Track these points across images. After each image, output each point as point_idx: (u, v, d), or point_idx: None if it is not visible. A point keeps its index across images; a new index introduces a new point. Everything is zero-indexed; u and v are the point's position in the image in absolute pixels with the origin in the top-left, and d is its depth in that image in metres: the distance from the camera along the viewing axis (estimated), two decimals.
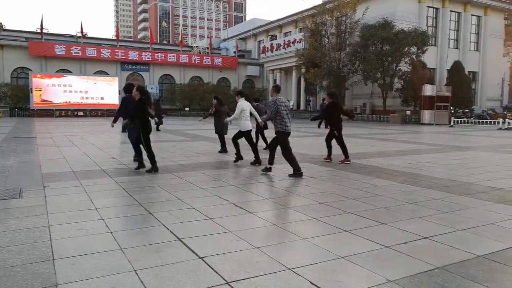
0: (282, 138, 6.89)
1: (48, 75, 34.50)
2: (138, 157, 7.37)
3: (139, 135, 7.04)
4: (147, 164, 7.17)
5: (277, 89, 7.07)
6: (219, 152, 9.93)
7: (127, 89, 8.22)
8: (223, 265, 2.96)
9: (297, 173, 6.75)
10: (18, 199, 4.94)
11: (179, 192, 5.45)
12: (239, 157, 8.22)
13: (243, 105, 8.09)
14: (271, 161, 7.14)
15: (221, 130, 9.81)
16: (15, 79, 35.17)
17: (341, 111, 8.83)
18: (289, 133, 6.94)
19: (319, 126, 20.60)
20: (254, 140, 8.66)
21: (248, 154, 8.40)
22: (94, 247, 3.32)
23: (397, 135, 17.11)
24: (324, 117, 8.87)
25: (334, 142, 8.70)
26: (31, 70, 34.54)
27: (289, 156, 6.86)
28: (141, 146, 7.19)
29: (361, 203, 4.90)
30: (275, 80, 43.16)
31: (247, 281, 2.71)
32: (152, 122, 7.36)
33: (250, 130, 8.17)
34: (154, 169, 6.99)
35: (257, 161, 8.01)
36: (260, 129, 9.66)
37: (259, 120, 8.16)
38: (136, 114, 6.99)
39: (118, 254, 3.16)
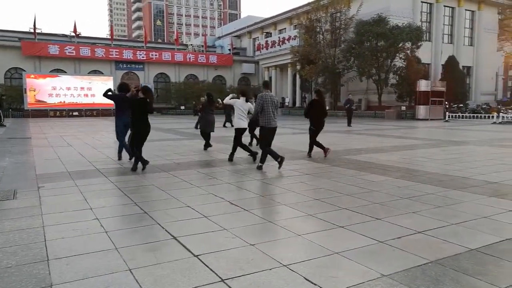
0: (263, 132, 7.24)
1: (42, 75, 34.27)
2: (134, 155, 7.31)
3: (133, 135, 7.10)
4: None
5: (265, 84, 7.39)
6: (204, 149, 10.08)
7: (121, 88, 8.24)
8: (218, 263, 2.97)
9: (260, 165, 7.19)
10: (12, 200, 4.92)
11: (175, 190, 5.45)
12: (252, 154, 8.23)
13: (237, 103, 8.22)
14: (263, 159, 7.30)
15: (205, 127, 10.02)
16: (9, 80, 34.93)
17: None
18: (271, 128, 7.10)
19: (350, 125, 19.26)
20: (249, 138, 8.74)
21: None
22: (89, 247, 3.32)
23: (392, 130, 17.16)
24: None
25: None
26: (24, 71, 34.29)
27: (266, 150, 7.20)
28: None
29: (356, 199, 4.92)
30: (270, 78, 43.14)
31: (242, 278, 2.72)
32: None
33: (241, 129, 8.17)
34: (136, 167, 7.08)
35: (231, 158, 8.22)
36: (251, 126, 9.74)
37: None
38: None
39: (113, 254, 3.16)
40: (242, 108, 8.16)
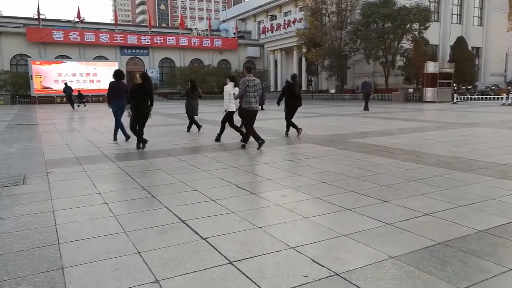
0: (245, 114, 7.72)
1: (48, 62, 34.35)
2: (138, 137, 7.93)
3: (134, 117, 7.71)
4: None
5: (248, 69, 7.80)
6: (187, 131, 10.84)
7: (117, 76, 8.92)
8: (226, 245, 2.99)
9: (260, 143, 7.54)
10: (22, 185, 4.98)
11: (182, 174, 5.48)
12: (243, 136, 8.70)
13: (226, 88, 8.76)
14: (246, 138, 7.93)
15: (190, 111, 10.78)
16: (15, 66, 35.06)
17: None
18: (251, 110, 7.58)
19: (367, 109, 18.34)
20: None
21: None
22: (98, 230, 3.36)
23: (399, 113, 17.01)
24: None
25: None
26: (30, 57, 34.37)
27: (251, 131, 7.69)
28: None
29: (363, 182, 4.91)
30: (276, 61, 42.79)
31: (250, 260, 2.74)
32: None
33: (232, 112, 8.75)
34: (139, 145, 7.78)
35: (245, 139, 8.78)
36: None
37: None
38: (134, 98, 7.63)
39: (122, 237, 3.20)
40: (231, 92, 8.60)
